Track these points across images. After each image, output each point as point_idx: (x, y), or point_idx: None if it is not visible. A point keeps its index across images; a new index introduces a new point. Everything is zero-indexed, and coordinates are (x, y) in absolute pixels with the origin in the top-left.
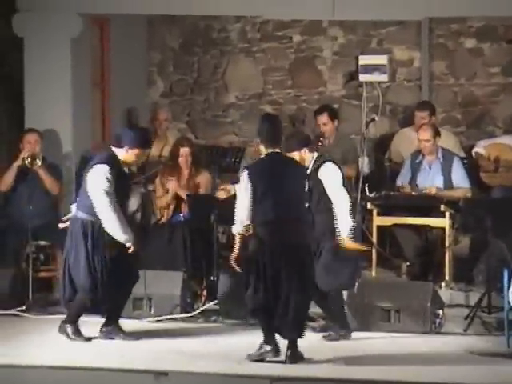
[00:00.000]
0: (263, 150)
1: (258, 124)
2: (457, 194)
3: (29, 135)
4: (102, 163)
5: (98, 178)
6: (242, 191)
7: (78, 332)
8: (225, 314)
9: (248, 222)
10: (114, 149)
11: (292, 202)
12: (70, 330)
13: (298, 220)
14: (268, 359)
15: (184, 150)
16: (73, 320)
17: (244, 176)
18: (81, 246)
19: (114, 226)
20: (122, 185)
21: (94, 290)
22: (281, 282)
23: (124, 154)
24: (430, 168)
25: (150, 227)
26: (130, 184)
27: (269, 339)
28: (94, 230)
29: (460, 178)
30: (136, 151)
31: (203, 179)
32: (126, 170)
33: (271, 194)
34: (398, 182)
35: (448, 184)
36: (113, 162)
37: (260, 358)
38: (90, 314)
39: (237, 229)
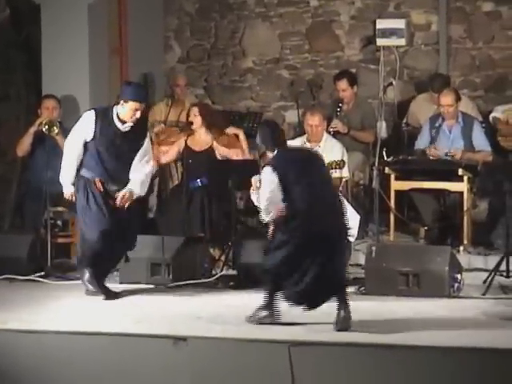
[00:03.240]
0: (270, 154)
1: (259, 133)
2: (479, 156)
3: (47, 101)
4: (90, 109)
5: (79, 121)
6: (267, 185)
7: (93, 280)
8: (245, 282)
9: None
10: (114, 107)
11: (321, 189)
12: (87, 273)
13: (329, 205)
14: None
15: (193, 110)
16: (88, 263)
17: (267, 170)
18: (80, 202)
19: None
20: (109, 140)
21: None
22: (307, 260)
23: (120, 109)
24: (449, 132)
25: (168, 193)
26: (129, 147)
27: (270, 305)
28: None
29: (481, 142)
30: (130, 104)
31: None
32: (124, 128)
33: (302, 184)
34: (417, 146)
35: (468, 148)
36: (103, 112)
37: (259, 322)
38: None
39: (265, 219)
